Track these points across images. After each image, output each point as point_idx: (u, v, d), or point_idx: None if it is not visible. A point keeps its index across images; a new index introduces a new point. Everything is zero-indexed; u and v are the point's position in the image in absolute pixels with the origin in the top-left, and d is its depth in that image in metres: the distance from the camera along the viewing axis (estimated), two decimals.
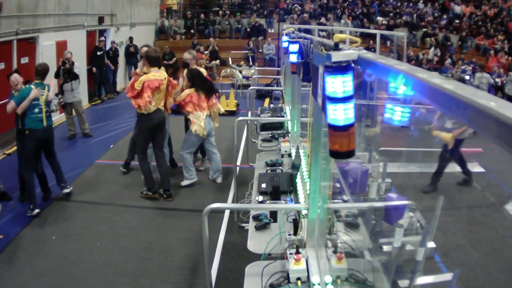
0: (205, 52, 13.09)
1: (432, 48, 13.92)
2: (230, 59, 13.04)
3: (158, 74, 4.77)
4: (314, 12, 15.96)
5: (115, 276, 3.68)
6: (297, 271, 2.03)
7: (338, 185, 2.83)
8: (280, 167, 3.67)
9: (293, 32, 3.27)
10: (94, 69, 10.10)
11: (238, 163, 6.06)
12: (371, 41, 12.62)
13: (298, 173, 3.05)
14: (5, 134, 7.09)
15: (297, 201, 2.87)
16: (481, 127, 0.64)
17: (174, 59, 13.95)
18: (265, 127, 4.94)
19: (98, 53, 10.22)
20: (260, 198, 3.01)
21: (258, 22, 15.08)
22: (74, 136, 7.52)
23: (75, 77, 7.22)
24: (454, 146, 4.66)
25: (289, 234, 2.38)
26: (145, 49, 5.27)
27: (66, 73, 7.10)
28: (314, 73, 1.85)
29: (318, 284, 1.88)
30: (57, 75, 7.32)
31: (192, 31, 15.04)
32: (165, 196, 5.13)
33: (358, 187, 2.69)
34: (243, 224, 4.33)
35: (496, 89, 11.94)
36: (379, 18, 15.20)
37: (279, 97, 8.20)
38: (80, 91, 7.74)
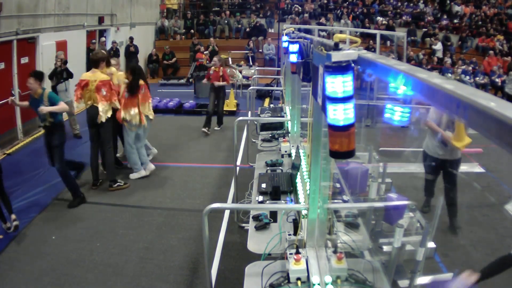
0: (205, 52, 13.09)
1: (439, 44, 13.90)
2: (230, 59, 13.05)
3: (91, 74, 5.18)
4: (314, 12, 15.96)
5: (115, 276, 3.68)
6: (297, 271, 2.03)
7: (338, 185, 2.83)
8: (280, 167, 3.67)
9: (293, 32, 3.27)
10: None
11: (238, 163, 6.06)
12: (371, 41, 12.62)
13: (298, 173, 3.05)
14: (5, 134, 7.10)
15: (297, 201, 2.87)
16: (481, 127, 0.64)
17: (174, 59, 13.97)
18: (265, 127, 4.94)
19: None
20: (260, 198, 3.01)
21: (258, 22, 15.08)
22: (78, 136, 7.51)
23: (70, 76, 7.21)
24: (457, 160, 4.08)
25: (289, 234, 2.39)
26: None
27: (60, 73, 7.08)
28: (314, 73, 1.85)
29: (318, 284, 1.88)
30: (51, 77, 7.17)
31: (192, 31, 15.04)
32: (109, 185, 5.45)
33: (358, 187, 2.69)
34: (243, 224, 4.34)
35: (496, 89, 11.97)
36: (379, 18, 15.19)
37: (279, 97, 8.20)
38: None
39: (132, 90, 5.40)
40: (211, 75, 7.80)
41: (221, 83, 7.72)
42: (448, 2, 16.01)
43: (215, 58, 7.97)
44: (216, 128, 7.99)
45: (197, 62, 12.38)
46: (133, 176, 5.72)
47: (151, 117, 5.67)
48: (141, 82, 5.47)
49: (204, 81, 8.01)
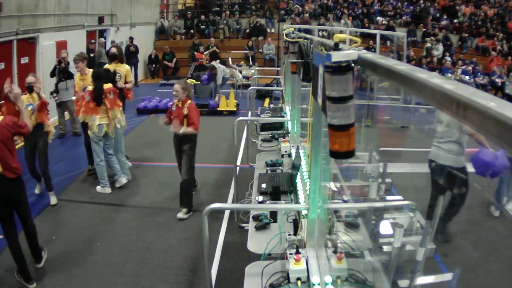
0: (205, 53, 13.11)
1: (440, 45, 13.88)
2: (230, 59, 13.05)
3: None
4: (314, 12, 15.96)
5: (115, 276, 3.68)
6: (297, 271, 2.03)
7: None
8: (280, 167, 3.67)
9: (293, 32, 3.27)
10: None
11: (238, 163, 6.06)
12: (371, 41, 12.62)
13: (298, 173, 3.05)
14: None
15: (297, 201, 2.87)
16: (481, 127, 0.64)
17: (175, 59, 13.97)
18: (265, 127, 4.94)
19: (91, 55, 10.09)
20: (260, 198, 3.01)
21: (258, 22, 15.08)
22: (64, 136, 7.50)
23: (70, 76, 7.20)
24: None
25: (289, 234, 2.39)
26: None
27: (61, 72, 7.09)
28: (314, 73, 1.85)
29: (318, 284, 1.88)
30: (52, 75, 7.26)
31: (192, 31, 15.04)
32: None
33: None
34: (243, 224, 4.33)
35: (496, 89, 11.97)
36: (379, 18, 15.18)
37: (279, 97, 8.19)
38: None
39: (95, 97, 4.92)
40: (172, 112, 4.70)
41: (187, 130, 4.48)
42: (459, 13, 15.89)
43: (176, 86, 4.58)
44: (180, 215, 4.63)
45: (197, 62, 12.40)
46: (98, 189, 5.31)
47: (122, 123, 5.26)
48: (108, 85, 5.01)
49: (161, 121, 4.91)
